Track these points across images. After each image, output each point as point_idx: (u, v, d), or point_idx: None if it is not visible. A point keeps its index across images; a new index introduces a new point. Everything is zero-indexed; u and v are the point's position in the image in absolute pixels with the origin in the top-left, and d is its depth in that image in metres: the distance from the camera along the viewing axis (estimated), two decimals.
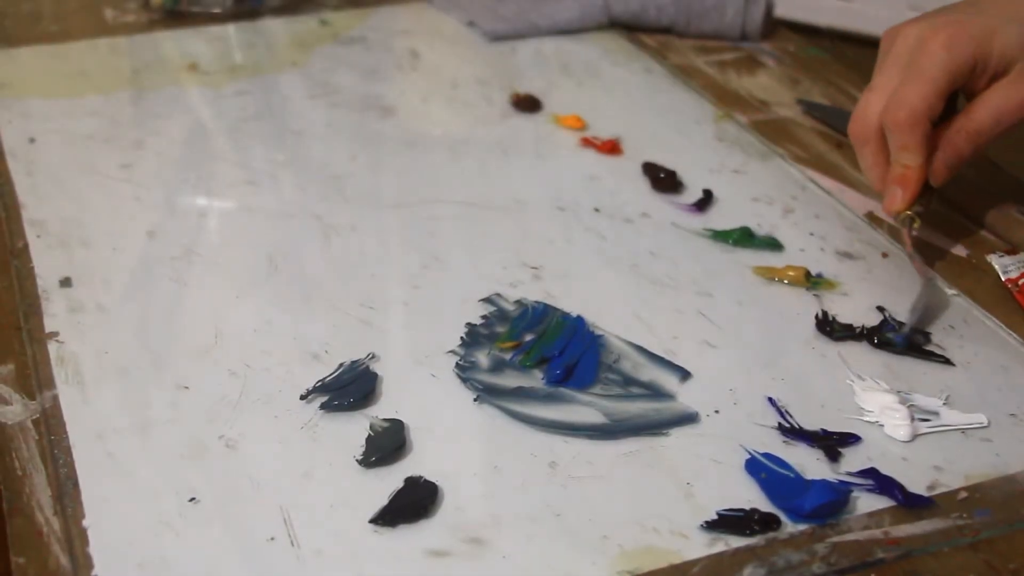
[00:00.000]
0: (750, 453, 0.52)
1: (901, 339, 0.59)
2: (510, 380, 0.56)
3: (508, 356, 0.57)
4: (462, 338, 0.59)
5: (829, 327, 0.60)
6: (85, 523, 0.48)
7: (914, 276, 0.65)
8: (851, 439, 0.53)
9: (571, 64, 0.90)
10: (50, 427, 0.53)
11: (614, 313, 0.61)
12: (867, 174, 0.67)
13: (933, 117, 0.62)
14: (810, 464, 0.52)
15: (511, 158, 0.77)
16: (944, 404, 0.55)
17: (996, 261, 0.65)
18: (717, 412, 0.55)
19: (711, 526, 0.48)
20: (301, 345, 0.58)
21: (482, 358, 0.57)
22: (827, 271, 0.65)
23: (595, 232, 0.69)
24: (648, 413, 0.54)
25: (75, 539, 0.47)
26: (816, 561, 0.47)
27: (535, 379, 0.56)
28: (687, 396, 0.56)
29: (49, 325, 0.59)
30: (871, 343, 0.59)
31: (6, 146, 0.76)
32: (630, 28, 0.96)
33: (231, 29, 0.95)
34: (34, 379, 0.55)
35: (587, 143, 0.78)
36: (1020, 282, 0.63)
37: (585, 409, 0.54)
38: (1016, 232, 0.67)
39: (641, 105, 0.85)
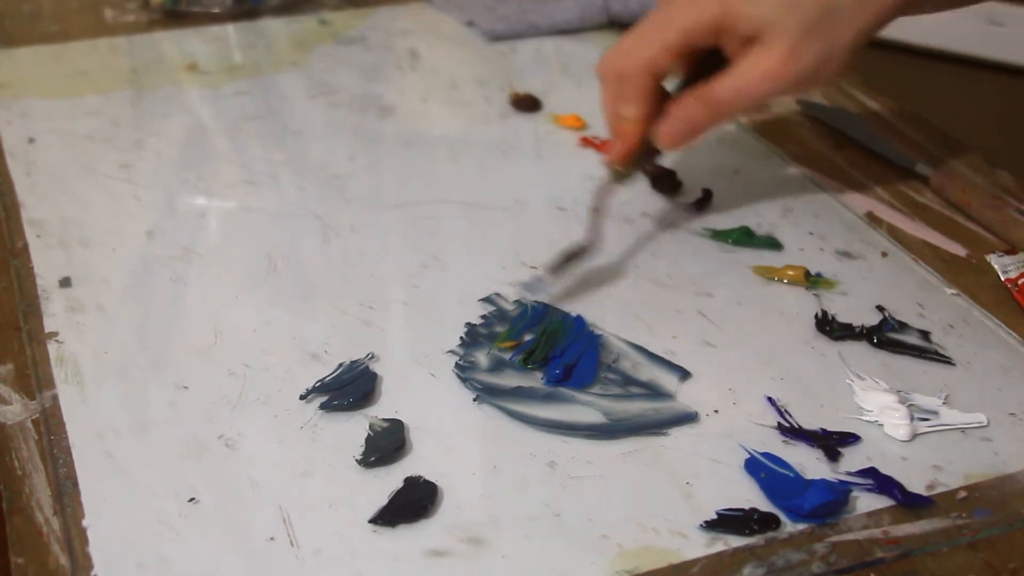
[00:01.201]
0: (749, 453, 0.52)
1: (526, 286, 0.60)
2: (509, 380, 0.56)
3: (508, 356, 0.57)
4: (461, 338, 0.59)
5: (828, 326, 0.60)
6: (85, 523, 0.48)
7: (913, 274, 0.65)
8: (850, 439, 0.53)
9: (571, 64, 0.90)
10: (49, 427, 0.53)
11: (614, 313, 0.61)
12: (603, 108, 0.64)
13: (656, 71, 0.61)
14: (809, 464, 0.52)
15: (510, 158, 0.77)
16: (943, 404, 0.55)
17: (995, 261, 0.65)
18: (716, 412, 0.55)
19: (710, 526, 0.48)
20: (300, 345, 0.58)
21: (481, 358, 0.57)
22: (826, 270, 0.65)
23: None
24: (647, 413, 0.54)
25: (74, 539, 0.47)
26: (815, 561, 0.47)
27: (534, 379, 0.56)
28: (686, 396, 0.56)
29: (48, 325, 0.59)
30: (871, 342, 0.59)
31: (6, 146, 0.76)
32: (630, 28, 0.96)
33: (231, 29, 0.95)
34: (33, 379, 0.55)
35: (587, 143, 0.78)
36: (1019, 282, 0.63)
37: (584, 409, 0.54)
38: (1016, 232, 0.67)
39: None
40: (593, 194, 0.64)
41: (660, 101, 0.62)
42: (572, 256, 0.62)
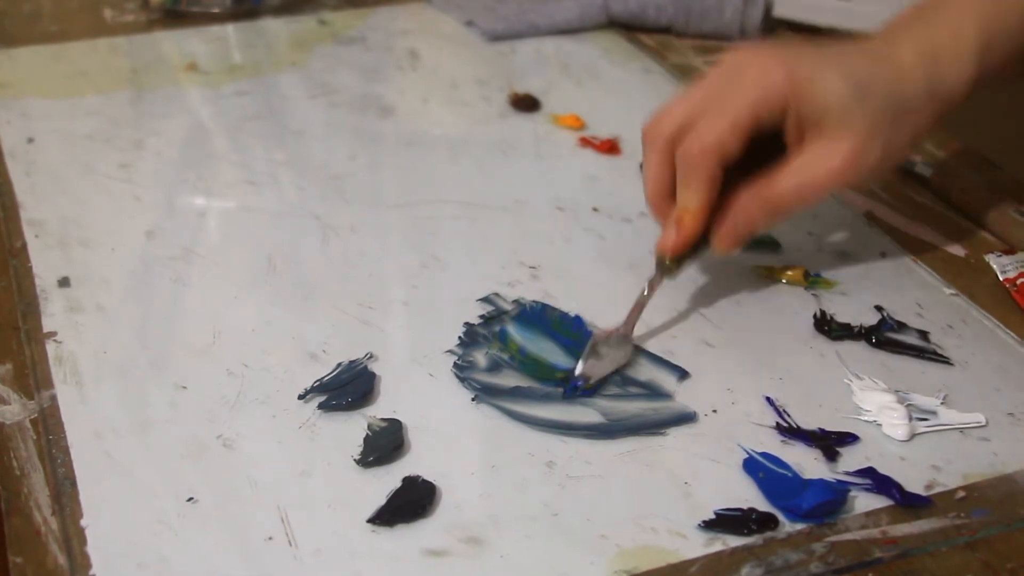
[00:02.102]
0: (748, 452, 0.52)
1: (569, 390, 0.55)
2: (508, 380, 0.56)
3: (507, 356, 0.57)
4: (460, 338, 0.59)
5: (827, 326, 0.60)
6: (83, 523, 0.48)
7: (912, 274, 0.65)
8: (849, 438, 0.53)
9: (570, 64, 0.90)
10: (48, 427, 0.53)
11: (613, 313, 0.61)
12: (644, 180, 0.60)
13: (726, 155, 0.56)
14: (808, 463, 0.52)
15: (510, 158, 0.77)
16: (942, 403, 0.55)
17: (994, 261, 0.65)
18: (715, 411, 0.55)
19: (709, 525, 0.48)
20: (299, 345, 0.58)
21: (480, 358, 0.57)
22: (825, 270, 0.65)
23: (594, 232, 0.69)
24: (646, 413, 0.54)
25: (73, 538, 0.47)
26: (814, 560, 0.47)
27: (533, 380, 0.56)
28: (685, 395, 0.56)
29: (47, 325, 0.59)
30: (869, 342, 0.59)
31: (5, 146, 0.76)
32: (629, 28, 0.96)
33: (230, 29, 0.95)
34: (32, 379, 0.55)
35: (586, 143, 0.78)
36: (1018, 282, 0.63)
37: (583, 409, 0.54)
38: (1014, 232, 0.67)
39: (640, 105, 0.84)
40: (642, 288, 0.59)
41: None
42: (600, 347, 0.57)
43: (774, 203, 0.57)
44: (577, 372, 0.55)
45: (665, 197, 0.59)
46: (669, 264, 0.59)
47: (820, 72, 0.55)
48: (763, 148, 0.57)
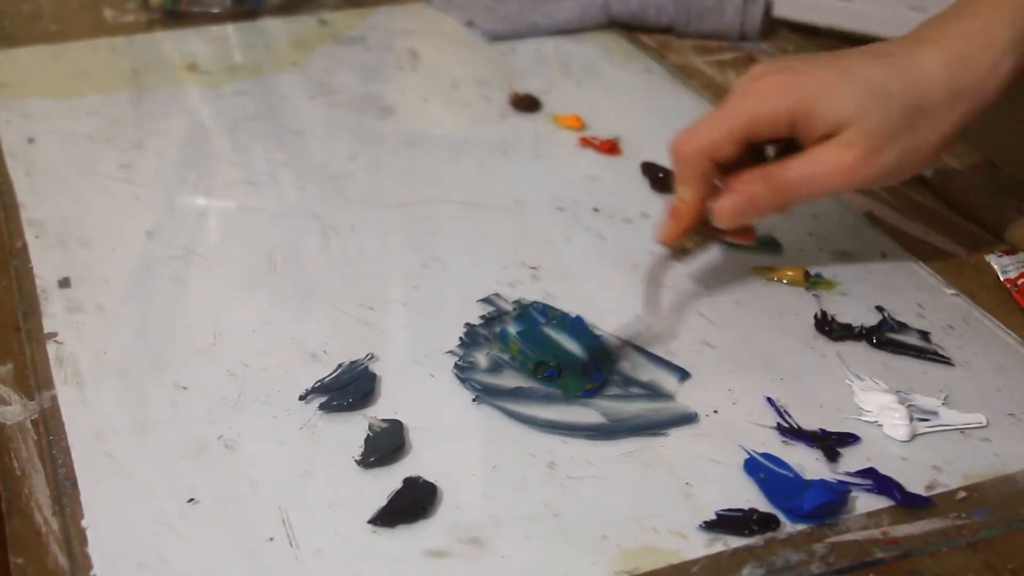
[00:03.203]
0: (749, 453, 0.52)
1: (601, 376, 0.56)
2: (509, 380, 0.56)
3: (507, 357, 0.57)
4: (461, 338, 0.59)
5: (828, 327, 0.60)
6: (84, 523, 0.48)
7: (913, 275, 0.65)
8: (850, 439, 0.53)
9: (571, 64, 0.90)
10: (49, 427, 0.53)
11: (613, 313, 0.61)
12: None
13: (717, 157, 0.58)
14: (809, 464, 0.52)
15: (510, 158, 0.77)
16: (943, 404, 0.55)
17: (995, 261, 0.65)
18: (716, 412, 0.55)
19: (710, 526, 0.48)
20: (300, 345, 0.58)
21: (481, 358, 0.57)
22: (826, 271, 0.65)
23: (594, 232, 0.69)
24: (647, 413, 0.54)
25: (74, 539, 0.47)
26: (815, 561, 0.47)
27: (534, 380, 0.56)
28: (686, 396, 0.56)
29: (48, 325, 0.59)
30: (870, 343, 0.59)
31: (5, 146, 0.76)
32: (630, 28, 0.96)
33: (230, 29, 0.95)
34: (33, 379, 0.55)
35: (586, 143, 0.78)
36: (1019, 282, 0.63)
37: (584, 409, 0.54)
38: (1015, 232, 0.67)
39: (640, 105, 0.85)
40: (648, 269, 0.62)
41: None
42: (630, 339, 0.59)
43: (781, 187, 0.58)
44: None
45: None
46: (676, 250, 0.61)
47: (831, 87, 0.56)
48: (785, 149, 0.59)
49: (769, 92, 0.57)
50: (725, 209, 0.58)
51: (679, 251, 0.61)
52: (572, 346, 0.58)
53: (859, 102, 0.56)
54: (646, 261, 0.65)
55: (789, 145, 0.59)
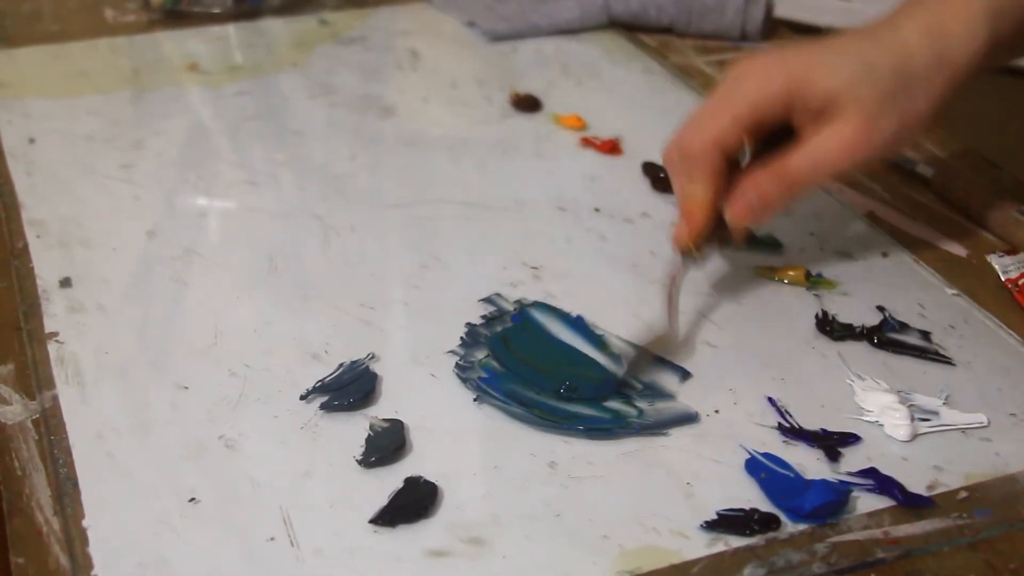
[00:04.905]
0: (750, 453, 0.52)
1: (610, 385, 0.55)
2: (510, 380, 0.56)
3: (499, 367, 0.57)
4: (462, 338, 0.59)
5: (829, 327, 0.60)
6: (85, 523, 0.48)
7: (914, 275, 0.65)
8: (851, 439, 0.53)
9: (571, 64, 0.90)
10: (50, 427, 0.53)
11: (614, 313, 0.61)
12: (677, 199, 0.61)
13: (727, 149, 0.58)
14: (810, 464, 0.52)
15: (511, 158, 0.77)
16: (944, 404, 0.55)
17: (996, 261, 0.65)
18: (717, 412, 0.55)
19: (711, 526, 0.48)
20: (301, 345, 0.58)
21: (482, 358, 0.57)
22: (827, 271, 0.65)
23: (595, 232, 0.69)
24: (648, 413, 0.54)
25: (75, 539, 0.47)
26: (816, 561, 0.47)
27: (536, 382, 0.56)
28: (687, 396, 0.56)
29: (49, 325, 0.59)
30: (871, 343, 0.59)
31: (6, 146, 0.76)
32: (630, 28, 0.96)
33: (231, 29, 0.95)
34: (34, 379, 0.55)
35: (587, 143, 0.78)
36: (1020, 282, 0.63)
37: (584, 408, 0.54)
38: (1016, 232, 0.67)
39: (641, 105, 0.85)
40: (667, 277, 0.60)
41: (731, 178, 0.59)
42: (651, 348, 0.58)
43: (789, 179, 0.58)
44: (622, 375, 0.56)
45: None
46: (694, 253, 0.60)
47: (821, 60, 0.57)
48: (781, 146, 0.59)
49: (762, 75, 0.58)
50: (738, 210, 0.58)
51: (692, 256, 0.60)
52: (579, 345, 0.58)
53: (849, 72, 0.56)
54: (646, 261, 0.65)
55: (768, 144, 0.59)
